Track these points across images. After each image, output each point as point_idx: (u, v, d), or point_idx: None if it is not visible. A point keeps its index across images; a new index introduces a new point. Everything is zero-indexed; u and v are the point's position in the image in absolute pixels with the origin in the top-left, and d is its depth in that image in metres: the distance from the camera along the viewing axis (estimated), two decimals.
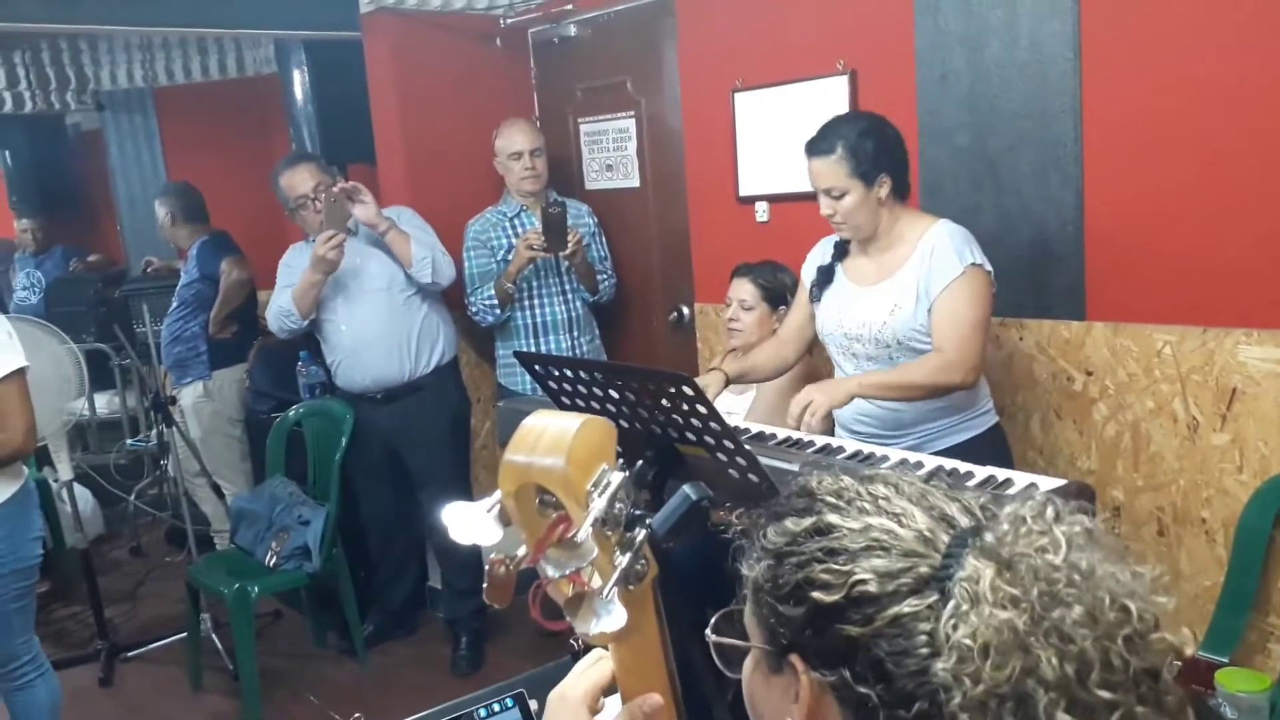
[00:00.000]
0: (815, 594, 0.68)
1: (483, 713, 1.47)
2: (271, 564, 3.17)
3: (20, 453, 2.35)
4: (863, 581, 0.66)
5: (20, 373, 2.35)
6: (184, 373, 4.06)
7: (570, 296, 3.39)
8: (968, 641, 0.62)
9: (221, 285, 3.98)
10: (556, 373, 2.11)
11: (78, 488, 3.63)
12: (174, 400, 3.88)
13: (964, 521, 0.69)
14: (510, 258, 3.28)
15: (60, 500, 4.16)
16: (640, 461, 1.63)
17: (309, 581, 3.24)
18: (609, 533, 0.62)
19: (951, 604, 0.64)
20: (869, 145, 2.09)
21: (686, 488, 0.68)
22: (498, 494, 0.63)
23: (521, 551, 0.66)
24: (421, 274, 3.18)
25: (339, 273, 3.19)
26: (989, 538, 0.66)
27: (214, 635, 3.42)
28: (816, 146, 2.14)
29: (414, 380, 3.29)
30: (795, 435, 2.17)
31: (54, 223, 5.68)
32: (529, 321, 3.36)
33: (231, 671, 3.28)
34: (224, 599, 3.10)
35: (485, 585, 0.66)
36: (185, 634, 3.40)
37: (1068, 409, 2.53)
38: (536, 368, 2.17)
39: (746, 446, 1.85)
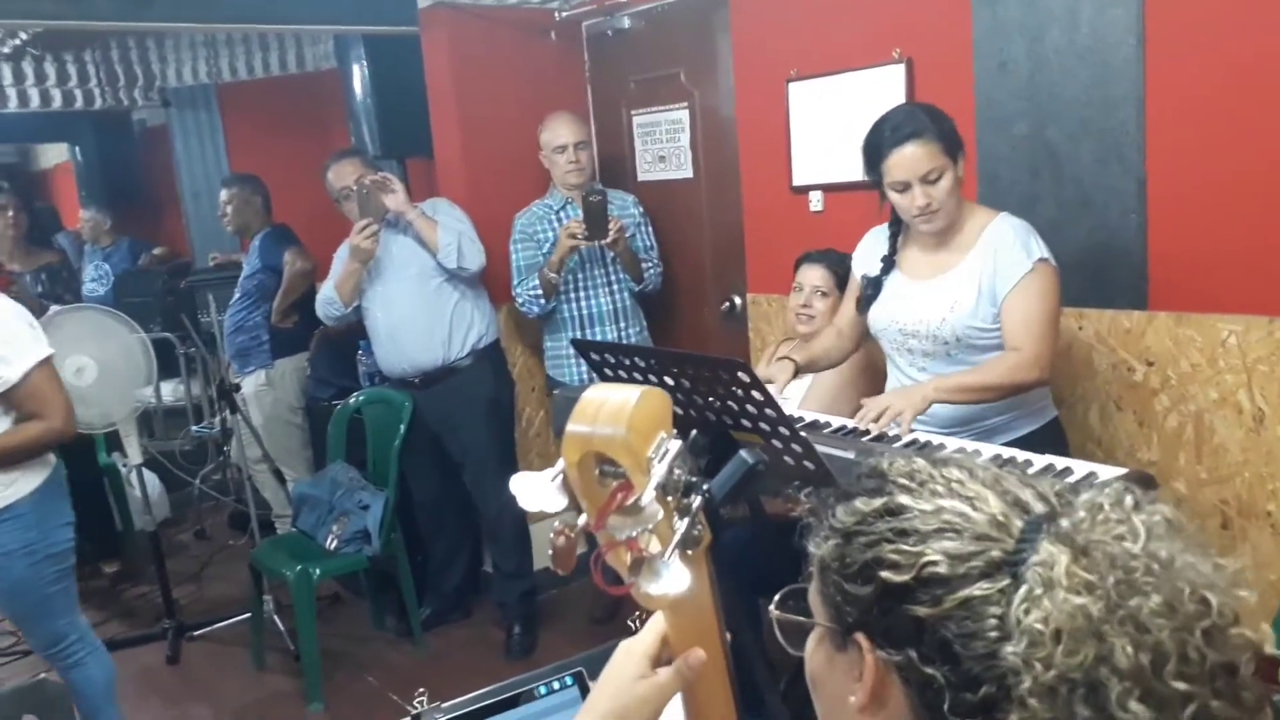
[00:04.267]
0: (884, 573, 0.67)
1: (543, 690, 1.50)
2: (332, 547, 3.24)
3: (64, 436, 2.39)
4: (933, 563, 0.66)
5: (48, 361, 2.39)
6: (246, 361, 4.16)
7: (616, 287, 3.41)
8: (1040, 626, 0.61)
9: (285, 275, 4.08)
10: (613, 360, 2.14)
11: (145, 473, 3.75)
12: (237, 388, 3.99)
13: (1039, 508, 0.68)
14: None
15: (129, 484, 4.31)
16: (695, 431, 1.64)
17: (368, 565, 3.32)
18: (668, 498, 0.64)
19: (1024, 589, 0.63)
20: (948, 125, 2.07)
21: (743, 452, 0.70)
22: (561, 463, 0.66)
23: (583, 520, 0.68)
24: (447, 259, 3.24)
25: (376, 261, 3.29)
26: (1065, 524, 0.66)
27: (276, 617, 3.50)
28: (904, 131, 2.04)
29: (450, 364, 3.35)
30: (850, 423, 2.17)
31: (121, 216, 5.84)
32: (575, 313, 3.39)
33: (293, 652, 3.37)
34: (286, 581, 3.18)
35: (550, 553, 0.68)
36: (248, 615, 3.49)
37: (1128, 400, 2.49)
38: (593, 355, 2.20)
39: (802, 433, 1.86)
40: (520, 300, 3.41)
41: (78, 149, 6.31)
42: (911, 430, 2.05)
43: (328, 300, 3.40)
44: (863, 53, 2.86)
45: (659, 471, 0.62)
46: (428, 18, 3.59)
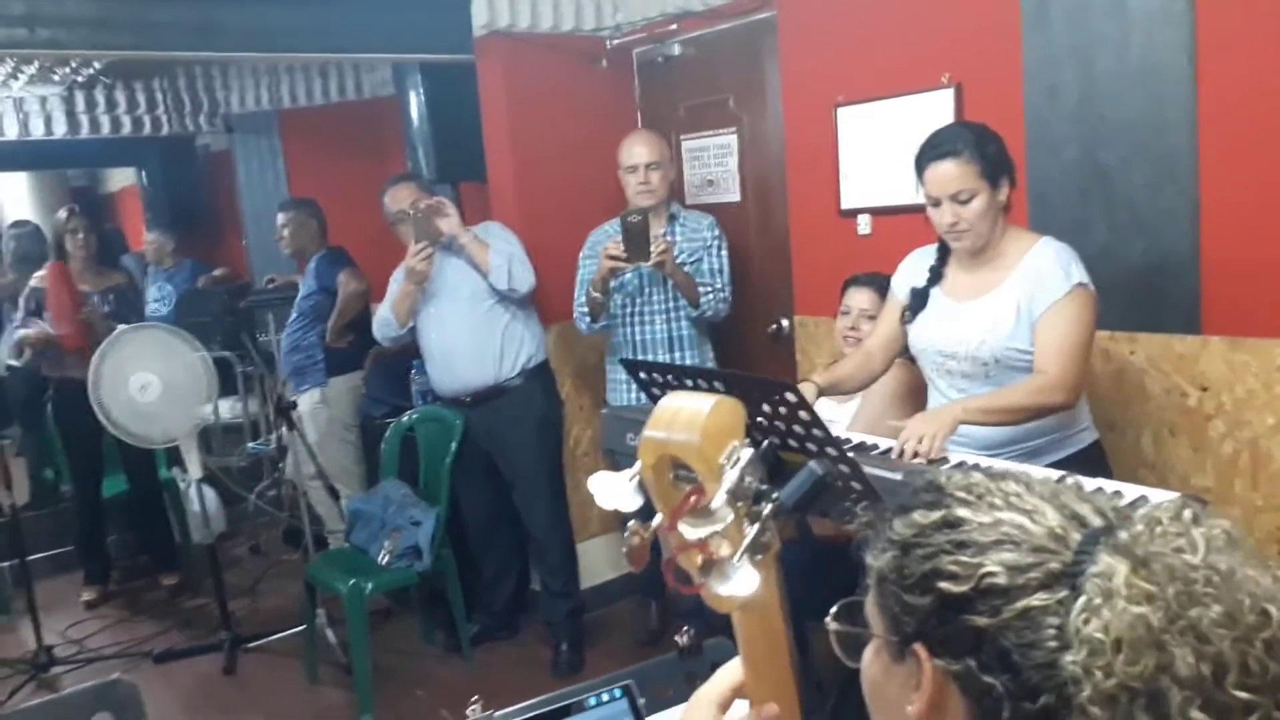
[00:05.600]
0: (943, 584, 0.68)
1: (592, 701, 1.53)
2: (384, 562, 3.30)
3: None
4: (992, 574, 0.67)
5: None
6: (302, 379, 4.27)
7: (674, 314, 3.35)
8: (1100, 635, 0.62)
9: (339, 296, 4.18)
10: (660, 379, 2.18)
11: (204, 488, 3.85)
12: (294, 405, 4.08)
13: (1096, 522, 0.69)
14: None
15: (187, 499, 4.42)
16: (765, 441, 1.67)
17: (419, 580, 3.37)
18: (739, 504, 0.68)
19: (1083, 599, 0.64)
20: (992, 148, 2.10)
21: (812, 464, 0.73)
22: (638, 465, 0.70)
23: (656, 521, 0.72)
24: (498, 280, 3.30)
25: (430, 283, 3.36)
26: (1123, 536, 0.67)
27: (328, 630, 3.57)
28: (942, 149, 2.11)
29: (500, 384, 3.41)
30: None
31: (184, 238, 6.02)
32: (630, 338, 3.38)
33: (344, 666, 3.43)
34: (340, 595, 3.25)
35: (624, 550, 0.72)
36: (302, 628, 3.56)
37: (1182, 425, 2.47)
38: (641, 374, 2.24)
39: (849, 454, 1.88)
40: (575, 315, 3.46)
41: (144, 173, 6.52)
42: (952, 452, 2.06)
43: (384, 321, 3.49)
44: (912, 78, 2.89)
45: (730, 477, 0.66)
46: (482, 46, 3.69)
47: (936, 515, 0.72)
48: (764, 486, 0.69)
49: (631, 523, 0.71)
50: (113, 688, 1.45)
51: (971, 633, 0.67)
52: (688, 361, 3.40)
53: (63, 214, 4.30)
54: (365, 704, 3.18)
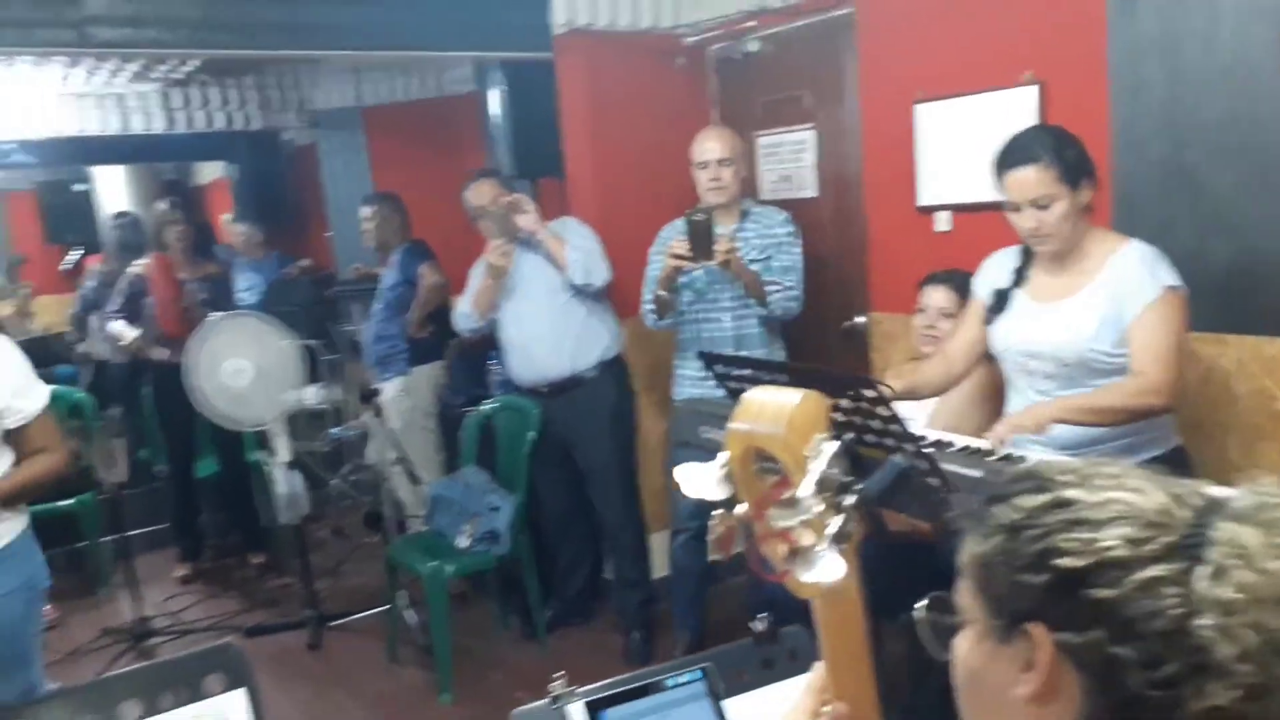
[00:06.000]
0: (1060, 561, 0.69)
1: (670, 682, 1.58)
2: (464, 546, 3.40)
3: (68, 469, 2.35)
4: (1110, 548, 0.68)
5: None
6: (386, 368, 4.40)
7: (743, 312, 3.29)
8: (1236, 595, 0.65)
9: (420, 289, 4.30)
10: (737, 372, 2.21)
11: (290, 470, 4.00)
12: (377, 393, 4.21)
13: (1196, 500, 0.71)
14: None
15: (273, 482, 4.59)
16: (850, 434, 1.70)
17: (497, 564, 3.47)
18: (823, 494, 0.71)
19: (1210, 566, 0.66)
20: (1071, 152, 2.09)
21: (895, 458, 0.77)
22: (724, 456, 0.74)
23: (740, 510, 0.76)
24: (574, 276, 3.37)
25: (509, 278, 3.45)
26: (1238, 506, 0.69)
27: (407, 612, 3.68)
28: (1020, 155, 2.11)
29: (577, 375, 3.48)
30: (975, 443, 2.18)
31: (269, 230, 6.22)
32: (696, 334, 3.34)
33: (424, 646, 3.54)
34: (420, 577, 3.36)
35: (710, 539, 0.76)
36: (383, 608, 3.68)
37: (1270, 429, 2.42)
38: (718, 368, 2.27)
39: (926, 451, 1.89)
40: (643, 311, 3.49)
41: (234, 167, 6.74)
42: (1030, 451, 2.05)
43: (464, 314, 3.59)
44: (993, 75, 2.86)
45: (817, 468, 0.70)
46: (562, 44, 3.75)
47: (1045, 498, 0.73)
48: (848, 478, 0.73)
49: (717, 512, 0.75)
50: (224, 651, 1.53)
51: (1092, 606, 0.68)
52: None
53: (163, 205, 4.50)
54: (445, 683, 3.29)
